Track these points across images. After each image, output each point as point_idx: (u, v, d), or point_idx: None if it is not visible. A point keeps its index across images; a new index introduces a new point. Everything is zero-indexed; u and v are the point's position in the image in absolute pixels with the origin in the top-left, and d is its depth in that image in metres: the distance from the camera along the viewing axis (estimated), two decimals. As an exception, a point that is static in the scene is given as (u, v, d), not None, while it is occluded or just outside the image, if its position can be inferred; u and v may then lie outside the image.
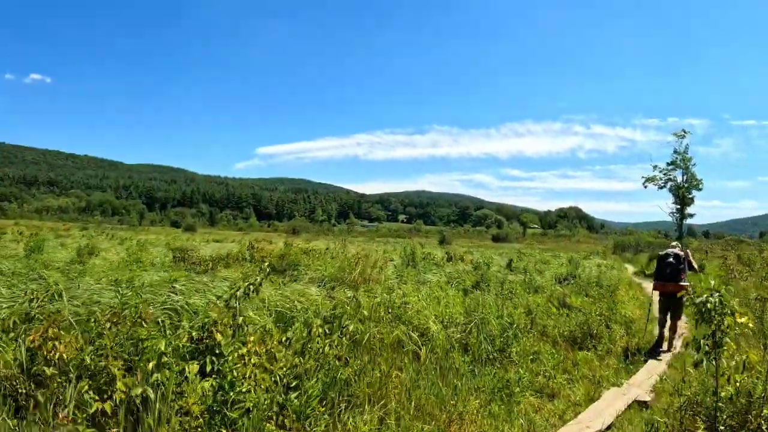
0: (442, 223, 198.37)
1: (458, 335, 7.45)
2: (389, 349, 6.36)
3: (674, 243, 10.42)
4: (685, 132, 32.51)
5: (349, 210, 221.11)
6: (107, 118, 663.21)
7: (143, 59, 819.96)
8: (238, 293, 4.57)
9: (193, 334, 4.40)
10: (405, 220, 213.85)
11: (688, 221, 33.36)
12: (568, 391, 7.07)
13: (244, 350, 4.21)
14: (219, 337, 4.33)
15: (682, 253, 9.52)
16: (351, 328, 4.93)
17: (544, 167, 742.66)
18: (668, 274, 9.31)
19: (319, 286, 10.06)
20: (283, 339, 4.49)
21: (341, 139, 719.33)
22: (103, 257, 17.58)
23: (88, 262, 14.78)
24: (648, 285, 20.80)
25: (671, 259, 9.35)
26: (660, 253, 9.87)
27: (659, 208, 34.16)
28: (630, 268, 27.84)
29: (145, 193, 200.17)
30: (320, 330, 4.59)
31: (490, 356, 7.22)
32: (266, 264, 5.35)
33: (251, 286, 4.64)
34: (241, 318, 4.42)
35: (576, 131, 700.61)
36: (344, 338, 4.82)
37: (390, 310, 7.75)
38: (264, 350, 4.42)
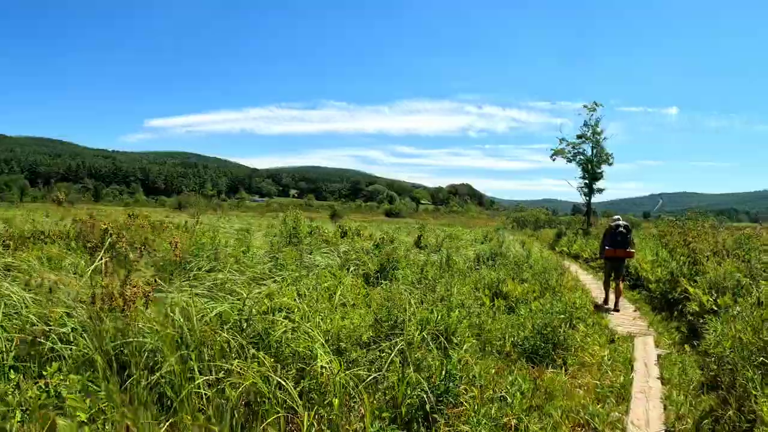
0: (334, 198, 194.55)
1: (366, 371, 4.08)
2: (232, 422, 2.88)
3: (617, 217, 11.47)
4: (597, 104, 31.41)
5: (240, 185, 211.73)
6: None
7: (26, 28, 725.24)
8: None
9: None
10: (296, 195, 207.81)
11: (596, 198, 32.62)
12: (554, 452, 4.16)
13: None
14: None
15: (629, 224, 10.83)
16: None
17: (436, 145, 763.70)
18: (619, 242, 10.49)
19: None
20: None
21: (234, 113, 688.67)
22: None
23: None
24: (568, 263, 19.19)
25: (622, 230, 10.53)
26: (611, 224, 10.85)
27: (568, 183, 33.14)
28: (536, 245, 26.37)
29: (28, 167, 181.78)
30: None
31: (427, 407, 3.96)
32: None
33: None
34: None
35: (468, 110, 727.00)
36: None
37: (247, 325, 4.25)
38: None
